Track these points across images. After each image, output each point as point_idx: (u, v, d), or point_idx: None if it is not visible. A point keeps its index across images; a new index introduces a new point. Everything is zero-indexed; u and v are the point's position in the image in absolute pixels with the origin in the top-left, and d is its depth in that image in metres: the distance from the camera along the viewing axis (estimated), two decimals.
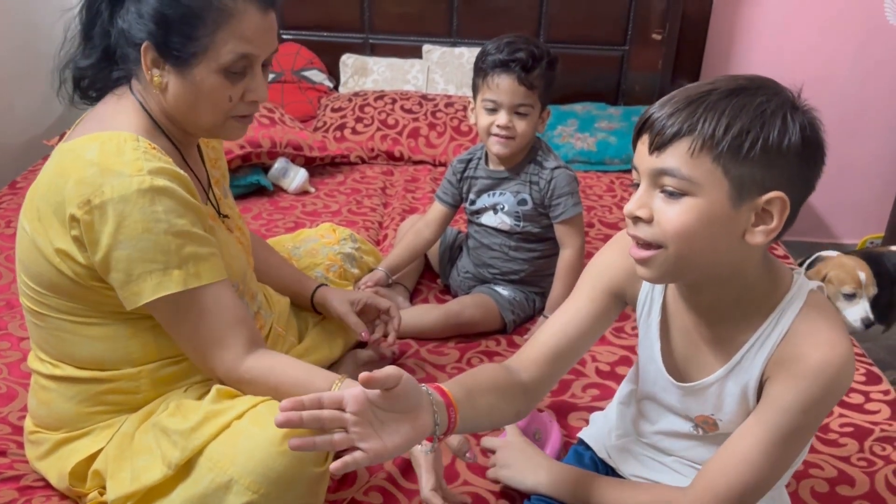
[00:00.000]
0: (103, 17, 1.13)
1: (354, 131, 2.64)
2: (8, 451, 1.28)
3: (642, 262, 0.90)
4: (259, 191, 2.37)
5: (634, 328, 1.68)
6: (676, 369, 1.02)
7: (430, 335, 1.65)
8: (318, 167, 2.54)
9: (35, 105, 2.65)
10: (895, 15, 2.86)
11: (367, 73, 2.92)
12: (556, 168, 1.66)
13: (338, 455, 0.89)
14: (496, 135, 1.61)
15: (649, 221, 0.87)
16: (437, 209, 1.80)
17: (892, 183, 3.03)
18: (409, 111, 2.67)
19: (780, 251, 2.11)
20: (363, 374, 0.85)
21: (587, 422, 1.27)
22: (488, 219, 1.73)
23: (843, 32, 2.90)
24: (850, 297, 2.07)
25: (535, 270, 1.75)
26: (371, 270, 1.73)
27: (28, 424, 1.24)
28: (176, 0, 1.07)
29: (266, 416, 1.05)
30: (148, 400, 1.17)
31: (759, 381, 0.94)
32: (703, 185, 0.84)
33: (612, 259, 1.05)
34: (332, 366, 1.48)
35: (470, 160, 1.77)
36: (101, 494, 1.14)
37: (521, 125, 1.60)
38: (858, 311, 2.06)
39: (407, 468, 1.27)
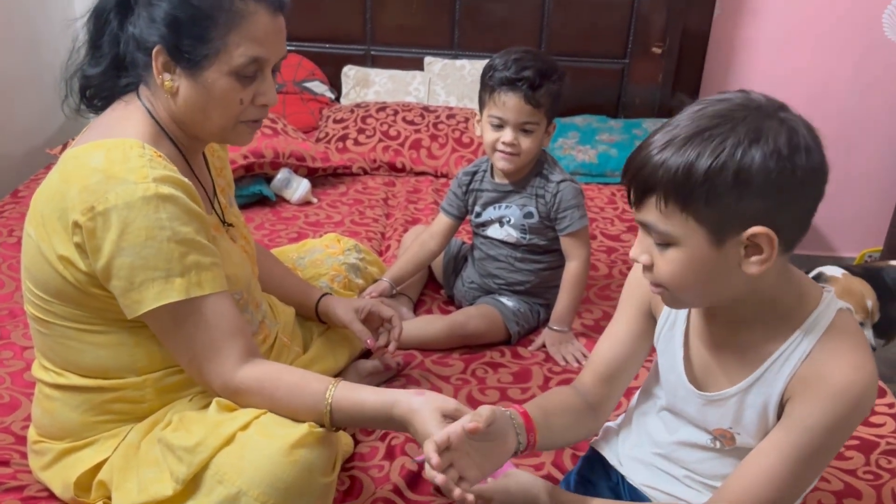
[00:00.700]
0: (112, 25, 1.13)
1: (356, 142, 2.64)
2: (11, 461, 1.27)
3: (657, 294, 0.94)
4: (262, 201, 2.37)
5: None
6: (697, 380, 1.02)
7: (434, 346, 1.65)
8: (321, 178, 2.54)
9: (37, 114, 2.65)
10: (893, 30, 2.88)
11: (368, 85, 2.93)
12: (561, 181, 1.66)
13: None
14: (501, 151, 1.62)
15: (650, 267, 0.91)
16: (441, 221, 1.80)
17: (891, 197, 3.04)
18: (411, 122, 2.68)
19: None
20: (470, 425, 0.92)
21: (596, 434, 1.27)
22: (494, 231, 1.74)
23: (842, 47, 2.92)
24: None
25: (540, 282, 1.75)
26: (375, 281, 1.73)
27: (32, 434, 1.23)
28: (188, 3, 1.07)
29: (271, 427, 1.05)
30: (153, 409, 1.17)
31: (780, 396, 0.93)
32: (680, 237, 0.85)
33: (637, 278, 1.07)
34: (337, 376, 1.47)
35: (476, 172, 1.77)
36: None
37: (526, 142, 1.60)
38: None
39: (412, 480, 1.26)
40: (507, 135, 1.59)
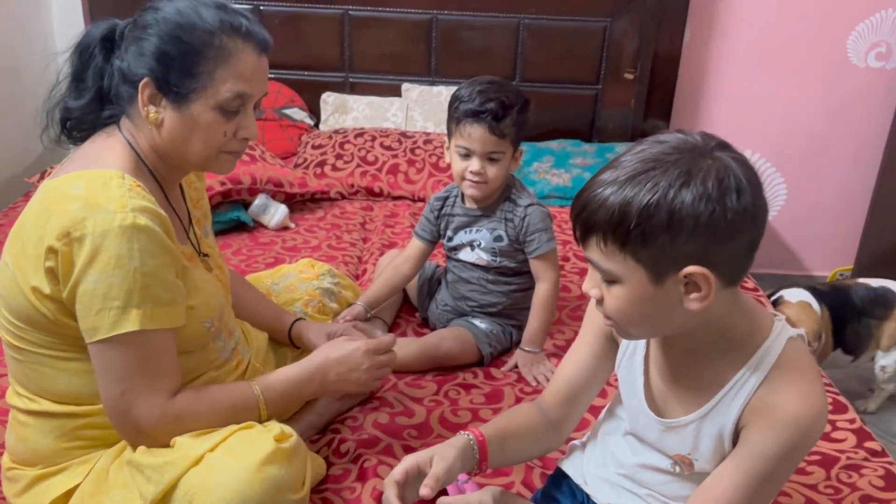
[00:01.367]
0: (97, 59, 1.17)
1: (334, 168, 2.68)
2: None
3: (608, 326, 0.98)
4: (239, 226, 2.40)
5: None
6: (657, 406, 1.04)
7: (408, 368, 1.67)
8: (299, 203, 2.57)
9: (15, 143, 2.67)
10: (857, 55, 2.97)
11: (347, 111, 2.98)
12: (529, 205, 1.70)
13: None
14: (469, 179, 1.66)
15: (601, 300, 0.93)
16: (415, 245, 1.84)
17: (860, 216, 3.11)
18: (389, 148, 2.72)
19: (750, 284, 2.16)
20: (424, 491, 1.00)
21: (562, 453, 1.30)
22: (466, 255, 1.77)
23: (809, 71, 3.00)
24: None
25: (512, 303, 1.78)
26: (350, 305, 1.75)
27: (5, 461, 1.24)
28: (178, 38, 1.11)
29: (238, 447, 1.07)
30: None
31: (735, 425, 0.95)
32: (621, 275, 0.87)
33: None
34: (311, 399, 1.49)
35: (447, 198, 1.81)
36: None
37: (492, 170, 1.65)
38: None
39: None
40: (475, 164, 1.63)
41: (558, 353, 1.76)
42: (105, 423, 1.16)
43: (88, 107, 1.19)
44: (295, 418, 1.42)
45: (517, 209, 1.70)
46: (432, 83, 3.01)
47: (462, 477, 1.29)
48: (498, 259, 1.74)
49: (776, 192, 3.17)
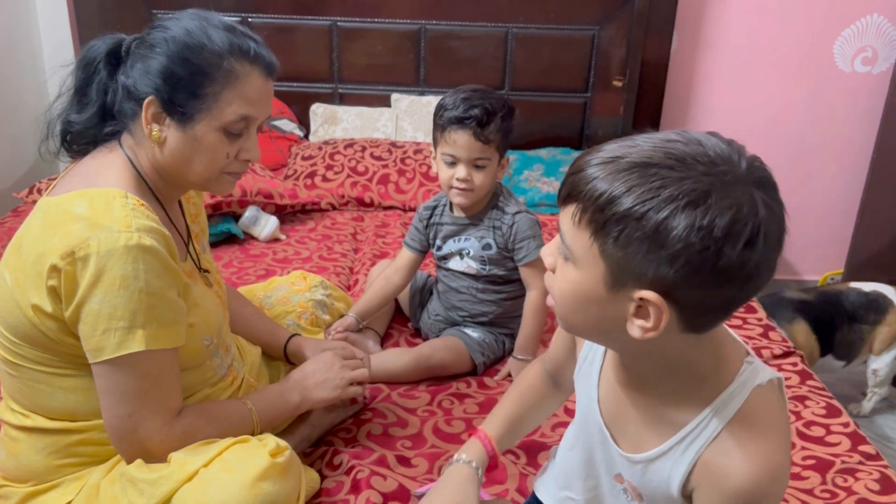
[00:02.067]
0: (101, 74, 1.16)
1: (325, 178, 2.68)
2: None
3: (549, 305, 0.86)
4: (230, 239, 2.39)
5: None
6: (608, 425, 0.95)
7: (401, 379, 1.66)
8: (289, 214, 2.56)
9: (3, 159, 2.65)
10: (843, 60, 2.99)
11: (336, 122, 2.98)
12: (517, 213, 1.71)
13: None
14: (456, 187, 1.66)
15: (553, 271, 0.83)
16: (405, 255, 1.83)
17: (850, 220, 3.13)
18: (379, 158, 2.72)
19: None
20: None
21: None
22: (455, 263, 1.77)
23: (797, 77, 3.02)
24: None
25: (503, 312, 1.78)
26: (342, 316, 1.75)
27: None
28: (186, 59, 1.11)
29: (233, 462, 1.07)
30: (116, 451, 1.17)
31: (684, 478, 0.85)
32: (580, 259, 0.77)
33: None
34: (305, 412, 1.49)
35: (436, 207, 1.81)
36: None
37: (479, 177, 1.65)
38: None
39: None
40: (461, 171, 1.64)
41: None
42: (100, 439, 1.16)
43: (90, 121, 1.18)
44: (289, 431, 1.41)
45: (505, 217, 1.71)
46: (422, 93, 3.01)
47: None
48: (487, 267, 1.74)
49: None
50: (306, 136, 3.03)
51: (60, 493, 1.16)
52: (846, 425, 1.53)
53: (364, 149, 2.75)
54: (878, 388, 2.36)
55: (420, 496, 1.26)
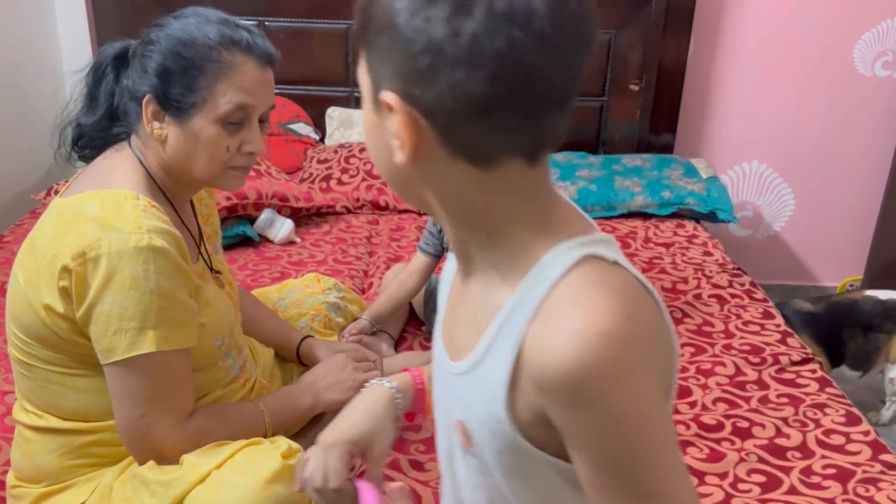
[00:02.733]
0: (109, 77, 1.18)
1: (340, 182, 2.68)
2: None
3: None
4: (245, 241, 2.39)
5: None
6: (448, 336, 0.78)
7: None
8: (304, 217, 2.56)
9: (22, 161, 2.68)
10: (863, 64, 2.96)
11: (352, 126, 2.98)
12: None
13: None
14: None
15: None
16: (419, 260, 1.83)
17: (869, 226, 3.08)
18: None
19: (759, 294, 2.14)
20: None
21: None
22: None
23: (816, 81, 2.99)
24: None
25: None
26: (356, 319, 1.74)
27: (10, 479, 1.24)
28: (178, 54, 1.12)
29: (246, 464, 1.06)
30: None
31: (507, 387, 0.65)
32: (363, 90, 0.66)
33: None
34: (317, 415, 1.48)
35: None
36: None
37: None
38: None
39: None
40: None
41: None
42: (112, 440, 1.16)
43: (99, 124, 1.20)
44: (301, 433, 1.41)
45: None
46: None
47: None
48: None
49: (784, 203, 3.15)
50: (322, 140, 3.03)
51: (73, 494, 1.17)
52: (866, 434, 1.51)
53: None
54: None
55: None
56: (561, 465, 0.67)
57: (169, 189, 1.20)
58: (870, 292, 2.32)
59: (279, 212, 2.45)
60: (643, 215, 2.62)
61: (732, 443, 1.47)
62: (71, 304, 1.06)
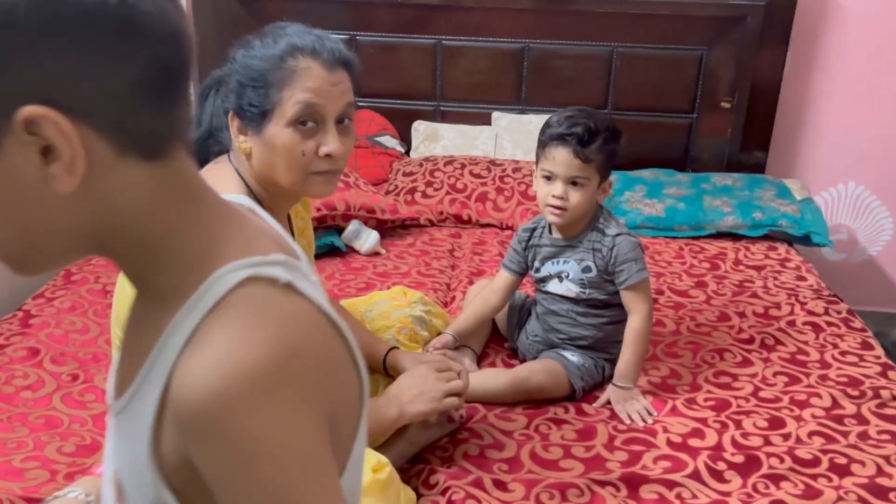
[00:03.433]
0: (210, 100, 1.28)
1: (424, 195, 2.70)
2: None
3: None
4: (332, 251, 2.44)
5: (707, 399, 1.65)
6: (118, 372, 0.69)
7: (497, 400, 1.65)
8: (389, 229, 2.60)
9: None
10: None
11: (437, 139, 3.01)
12: (617, 235, 1.68)
13: None
14: (551, 205, 1.65)
15: None
16: (503, 277, 1.83)
17: None
18: (478, 176, 2.73)
19: (857, 323, 2.03)
20: None
21: (659, 495, 1.25)
22: (554, 286, 1.75)
23: None
24: None
25: (603, 336, 1.74)
26: (440, 333, 1.76)
27: None
28: (248, 67, 1.18)
29: None
30: None
31: (152, 425, 0.57)
32: None
33: None
34: (402, 427, 1.50)
35: (535, 229, 1.80)
36: None
37: (575, 196, 1.63)
38: None
39: None
40: (557, 188, 1.63)
41: (653, 391, 1.71)
42: None
43: (200, 140, 1.28)
44: (386, 446, 1.42)
45: (605, 238, 1.68)
46: (522, 111, 3.01)
47: None
48: (587, 291, 1.71)
49: (882, 227, 3.02)
50: (407, 153, 3.07)
51: None
52: None
53: (463, 166, 2.77)
54: None
55: None
56: None
57: (265, 202, 1.25)
58: None
59: (365, 223, 2.49)
60: (733, 236, 2.55)
61: (830, 479, 1.41)
62: None
